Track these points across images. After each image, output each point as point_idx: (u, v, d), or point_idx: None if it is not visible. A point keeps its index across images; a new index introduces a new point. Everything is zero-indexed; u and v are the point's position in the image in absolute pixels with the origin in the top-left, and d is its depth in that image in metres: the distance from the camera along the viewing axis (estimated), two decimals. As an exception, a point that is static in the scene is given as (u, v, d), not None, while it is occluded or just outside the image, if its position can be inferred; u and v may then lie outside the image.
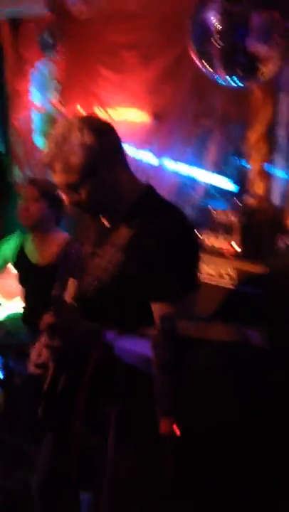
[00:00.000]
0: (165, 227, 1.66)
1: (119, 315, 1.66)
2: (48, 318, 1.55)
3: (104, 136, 1.67)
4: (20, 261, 3.05)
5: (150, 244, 1.63)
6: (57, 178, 1.67)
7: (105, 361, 1.56)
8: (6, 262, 3.14)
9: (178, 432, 1.32)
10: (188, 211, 3.34)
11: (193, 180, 3.51)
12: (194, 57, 2.83)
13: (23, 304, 3.12)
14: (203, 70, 2.81)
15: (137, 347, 1.47)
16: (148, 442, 1.31)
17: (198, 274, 1.77)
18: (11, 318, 3.18)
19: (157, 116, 3.41)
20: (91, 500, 2.02)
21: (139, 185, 1.79)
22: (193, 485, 1.20)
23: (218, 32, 2.59)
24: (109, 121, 1.79)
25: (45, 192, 2.88)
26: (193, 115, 3.31)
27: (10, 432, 2.95)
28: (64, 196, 1.72)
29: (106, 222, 1.78)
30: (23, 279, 3.08)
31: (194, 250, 1.77)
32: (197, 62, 2.82)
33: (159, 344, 1.52)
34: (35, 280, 2.97)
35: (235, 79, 2.75)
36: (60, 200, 2.92)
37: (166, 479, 1.14)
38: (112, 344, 1.49)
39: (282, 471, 1.30)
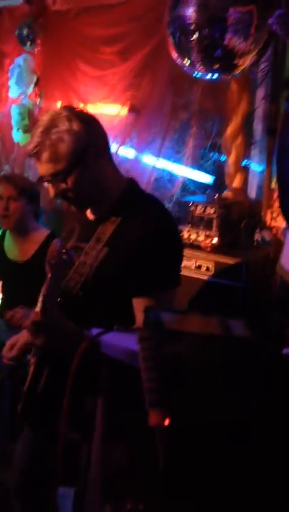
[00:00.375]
0: (148, 221, 1.66)
1: (103, 312, 1.66)
2: (34, 315, 1.54)
3: (91, 126, 1.67)
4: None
5: (133, 238, 1.63)
6: (43, 167, 1.65)
7: (90, 357, 1.55)
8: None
9: (166, 423, 1.33)
10: (167, 205, 3.36)
11: (170, 175, 3.52)
12: (172, 51, 2.83)
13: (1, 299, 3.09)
14: (181, 63, 2.81)
15: (122, 341, 1.47)
16: (137, 436, 1.31)
17: (181, 268, 1.78)
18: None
19: (134, 110, 3.40)
20: (74, 495, 2.01)
21: (122, 178, 1.79)
22: (184, 475, 1.21)
23: (196, 26, 2.59)
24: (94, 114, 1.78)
25: (23, 189, 2.85)
26: (171, 109, 3.32)
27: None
28: (50, 187, 1.70)
29: (92, 216, 1.77)
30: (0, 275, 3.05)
31: (176, 245, 1.78)
32: (175, 55, 2.82)
33: (144, 338, 1.52)
34: (13, 276, 2.95)
35: (212, 73, 2.76)
36: (37, 195, 2.90)
37: (158, 473, 1.15)
38: (97, 340, 1.48)
39: (269, 460, 1.31)
